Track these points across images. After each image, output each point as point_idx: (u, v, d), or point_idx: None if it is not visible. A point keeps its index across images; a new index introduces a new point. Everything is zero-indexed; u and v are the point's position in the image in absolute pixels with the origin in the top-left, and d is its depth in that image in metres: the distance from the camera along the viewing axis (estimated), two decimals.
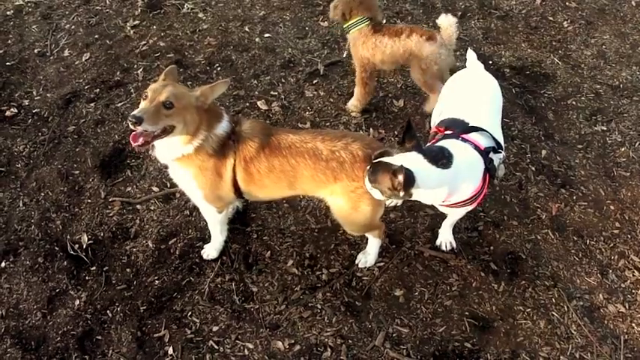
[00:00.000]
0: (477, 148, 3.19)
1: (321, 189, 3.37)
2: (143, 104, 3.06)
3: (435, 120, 3.73)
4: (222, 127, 3.29)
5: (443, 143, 3.19)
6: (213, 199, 3.52)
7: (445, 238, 3.91)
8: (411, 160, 2.97)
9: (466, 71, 3.92)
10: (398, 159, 2.98)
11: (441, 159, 3.02)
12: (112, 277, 3.90)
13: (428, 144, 3.36)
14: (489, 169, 3.21)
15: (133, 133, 3.04)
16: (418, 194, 3.05)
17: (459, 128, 3.30)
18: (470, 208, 3.44)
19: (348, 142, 3.25)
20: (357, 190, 3.23)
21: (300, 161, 3.25)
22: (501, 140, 3.43)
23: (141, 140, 3.05)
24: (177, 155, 3.26)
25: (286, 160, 3.26)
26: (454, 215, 3.72)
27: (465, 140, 3.21)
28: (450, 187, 3.07)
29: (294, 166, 3.26)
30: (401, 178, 2.82)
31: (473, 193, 3.20)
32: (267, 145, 3.29)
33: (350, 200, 3.29)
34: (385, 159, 3.01)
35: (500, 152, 3.32)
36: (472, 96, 3.61)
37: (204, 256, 3.96)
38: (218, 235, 3.88)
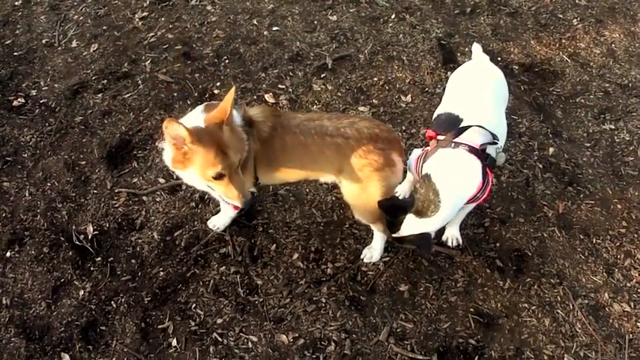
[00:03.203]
0: (472, 148, 3.25)
1: (330, 167, 3.39)
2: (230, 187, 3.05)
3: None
4: (237, 119, 3.25)
5: (430, 165, 3.30)
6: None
7: (452, 233, 3.90)
8: (412, 224, 3.19)
9: (471, 63, 3.95)
10: (405, 229, 3.22)
11: (429, 206, 3.15)
12: (116, 268, 3.91)
13: (425, 154, 3.44)
14: (488, 165, 3.27)
15: None
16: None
17: (451, 127, 3.36)
18: (477, 202, 3.48)
19: (354, 121, 3.32)
20: (364, 168, 3.27)
21: (308, 138, 3.27)
22: (503, 131, 3.51)
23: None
24: None
25: (296, 137, 3.28)
26: (462, 211, 3.71)
27: (457, 145, 3.28)
28: (453, 210, 3.24)
29: (303, 143, 3.28)
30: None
31: (475, 192, 3.25)
32: (278, 124, 3.32)
33: (357, 179, 3.32)
34: (398, 235, 3.26)
35: (497, 143, 3.34)
36: (474, 88, 3.65)
37: (210, 226, 4.02)
38: (230, 212, 3.92)
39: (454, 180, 3.19)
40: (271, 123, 3.31)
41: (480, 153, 3.24)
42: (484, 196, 3.33)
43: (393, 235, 3.31)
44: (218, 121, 2.95)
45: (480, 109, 3.45)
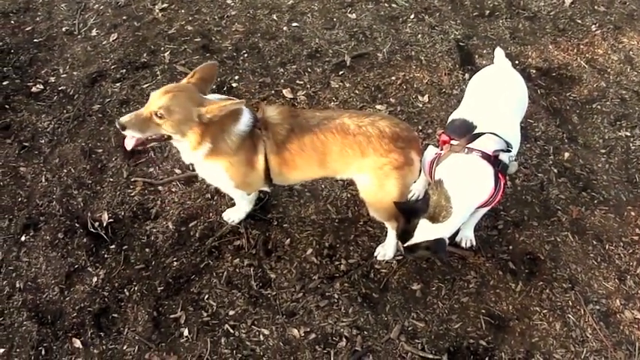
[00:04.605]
0: (485, 154, 3.26)
1: (349, 166, 3.39)
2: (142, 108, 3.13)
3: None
4: (243, 122, 3.29)
5: (443, 170, 3.32)
6: (245, 186, 3.58)
7: (466, 235, 3.91)
8: (425, 230, 3.21)
9: (493, 68, 3.94)
10: (419, 235, 3.23)
11: (440, 212, 3.18)
12: (130, 257, 3.94)
13: (438, 157, 3.46)
14: (500, 171, 3.29)
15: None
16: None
17: (465, 133, 3.38)
18: (490, 206, 3.51)
19: (375, 120, 3.31)
20: (384, 166, 3.27)
21: (329, 137, 3.27)
22: (517, 139, 3.52)
23: (131, 143, 3.18)
24: (191, 160, 3.38)
25: (316, 136, 3.29)
26: (476, 214, 3.72)
27: (470, 150, 3.29)
28: (464, 215, 3.28)
29: (323, 142, 3.29)
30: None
31: (487, 198, 3.29)
32: (296, 125, 3.32)
33: (377, 177, 3.32)
34: (411, 242, 3.26)
35: (510, 150, 3.35)
36: (493, 95, 3.64)
37: (225, 219, 4.04)
38: (244, 206, 3.96)
39: (466, 186, 3.21)
40: (288, 125, 3.32)
41: (492, 159, 3.26)
42: (496, 200, 3.36)
43: (404, 246, 3.31)
44: (209, 107, 3.09)
45: (497, 117, 3.46)
